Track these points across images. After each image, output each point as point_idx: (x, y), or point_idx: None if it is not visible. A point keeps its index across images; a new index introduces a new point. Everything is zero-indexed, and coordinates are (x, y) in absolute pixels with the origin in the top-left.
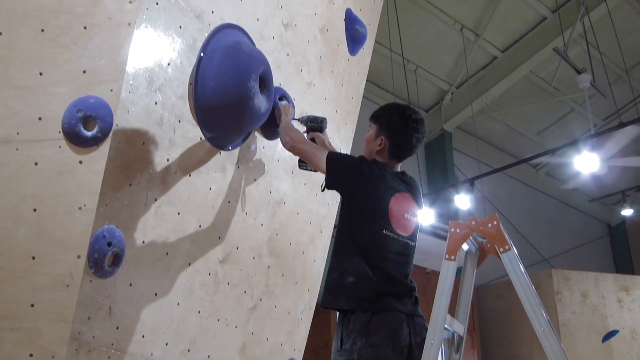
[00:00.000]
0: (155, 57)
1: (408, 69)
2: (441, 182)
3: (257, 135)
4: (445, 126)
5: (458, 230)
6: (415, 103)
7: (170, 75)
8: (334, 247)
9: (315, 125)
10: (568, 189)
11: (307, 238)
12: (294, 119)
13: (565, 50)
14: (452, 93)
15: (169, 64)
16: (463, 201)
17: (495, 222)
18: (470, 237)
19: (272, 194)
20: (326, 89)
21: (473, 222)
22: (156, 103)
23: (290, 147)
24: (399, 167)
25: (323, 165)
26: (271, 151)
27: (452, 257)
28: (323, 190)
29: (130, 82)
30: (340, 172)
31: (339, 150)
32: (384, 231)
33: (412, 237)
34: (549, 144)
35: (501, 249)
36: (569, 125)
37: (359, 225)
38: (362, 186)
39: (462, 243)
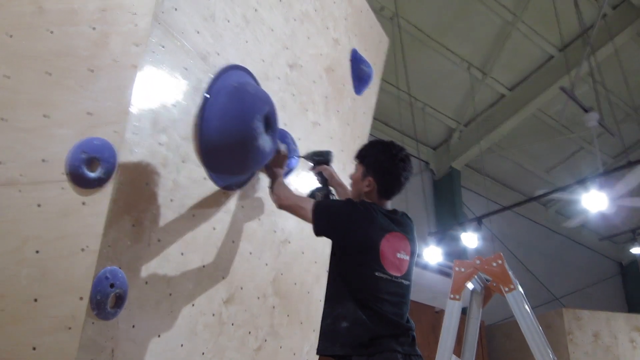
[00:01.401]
0: (160, 99)
1: (416, 106)
2: (450, 220)
3: (261, 174)
4: (453, 164)
5: (462, 270)
6: (424, 140)
7: (175, 116)
8: (326, 293)
9: (322, 158)
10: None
11: (313, 278)
12: (298, 156)
13: (572, 89)
14: (460, 131)
15: (174, 105)
16: (470, 239)
17: (499, 261)
18: (476, 276)
19: (276, 233)
20: (332, 128)
21: (478, 261)
22: (160, 144)
23: (279, 206)
24: (389, 205)
25: (310, 215)
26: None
27: (457, 296)
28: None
29: (135, 123)
30: (327, 219)
31: (347, 184)
32: (376, 273)
33: (406, 276)
34: (559, 181)
35: (506, 289)
36: (578, 163)
37: (351, 270)
38: (351, 231)
39: (466, 282)
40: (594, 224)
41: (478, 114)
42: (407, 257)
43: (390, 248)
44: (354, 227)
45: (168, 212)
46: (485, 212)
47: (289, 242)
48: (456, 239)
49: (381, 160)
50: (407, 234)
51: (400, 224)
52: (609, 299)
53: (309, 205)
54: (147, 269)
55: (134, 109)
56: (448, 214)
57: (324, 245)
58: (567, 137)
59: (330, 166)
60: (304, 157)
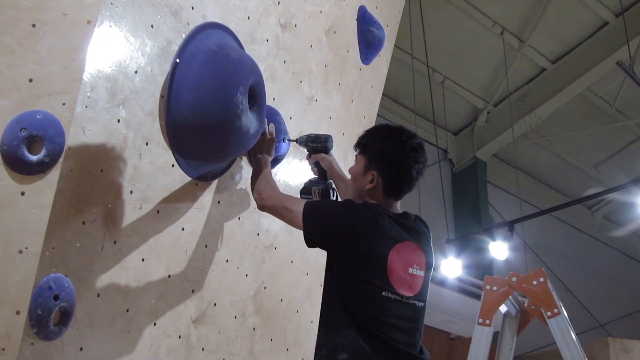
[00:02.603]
0: (119, 64)
1: (433, 80)
2: (472, 224)
3: (243, 162)
4: (478, 154)
5: (495, 288)
6: (442, 123)
7: (137, 85)
8: (320, 318)
9: (318, 145)
10: (629, 237)
11: (303, 293)
12: (289, 140)
13: (632, 65)
14: (488, 112)
15: (136, 72)
16: (500, 250)
17: (541, 279)
18: (510, 297)
19: (260, 237)
20: (331, 105)
21: (514, 279)
22: (119, 120)
23: (260, 207)
24: (398, 207)
25: (299, 220)
26: None
27: (488, 321)
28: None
29: (88, 94)
30: (321, 226)
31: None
32: (383, 293)
33: (420, 296)
34: (608, 179)
35: (548, 313)
36: (634, 157)
37: (351, 289)
38: (352, 241)
39: (500, 304)
40: None
41: (511, 92)
42: (422, 273)
43: (401, 262)
44: (355, 235)
45: (127, 207)
46: (517, 215)
47: (275, 248)
48: (480, 249)
49: (388, 149)
50: (422, 243)
51: (413, 231)
52: None
53: (299, 207)
54: (100, 278)
55: (88, 75)
56: (470, 217)
57: (318, 252)
58: (621, 125)
59: (330, 155)
60: (296, 141)
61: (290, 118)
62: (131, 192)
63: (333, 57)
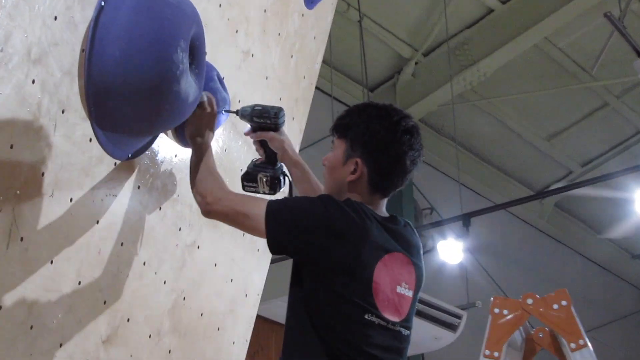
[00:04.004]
0: (37, 7)
1: (345, 17)
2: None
3: (166, 137)
4: None
5: (506, 312)
6: (355, 75)
7: (56, 36)
8: (284, 344)
9: (267, 121)
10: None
11: (226, 305)
12: (227, 111)
13: (622, 18)
14: (416, 63)
15: (55, 19)
16: (452, 251)
17: (564, 303)
18: None
19: (182, 233)
20: (269, 62)
21: (530, 301)
22: (34, 81)
23: (206, 212)
24: (384, 207)
25: (261, 224)
26: (187, 163)
27: (497, 353)
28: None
29: (1, 46)
30: (293, 228)
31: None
32: (366, 316)
33: (407, 322)
34: (563, 156)
35: (572, 344)
36: (597, 129)
37: (327, 309)
38: (334, 249)
39: (511, 332)
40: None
41: (449, 37)
42: (410, 293)
43: (388, 277)
44: (338, 242)
45: (38, 194)
46: (451, 199)
47: (198, 247)
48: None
49: (375, 131)
50: (413, 256)
51: (403, 239)
52: (628, 343)
53: (259, 209)
54: (2, 285)
55: (1, 24)
56: (390, 203)
57: (245, 253)
58: (584, 87)
59: (282, 133)
60: (237, 114)
61: (223, 78)
62: (43, 174)
63: (273, 0)
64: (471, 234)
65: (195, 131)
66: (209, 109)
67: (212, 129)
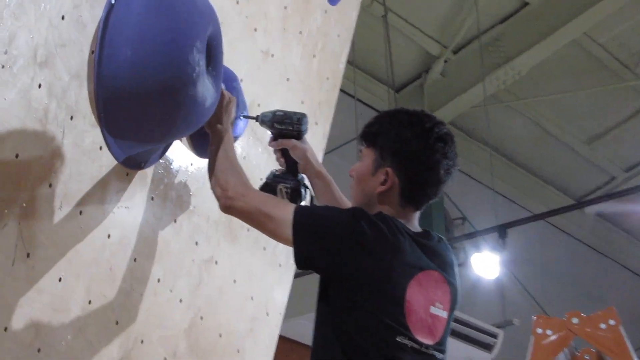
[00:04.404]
0: (43, 5)
1: (369, 12)
2: (421, 225)
3: (182, 145)
4: None
5: (549, 332)
6: (380, 75)
7: (63, 37)
8: None
9: (289, 128)
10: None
11: (246, 324)
12: (247, 116)
13: None
14: (445, 61)
15: (63, 18)
16: (488, 265)
17: (612, 322)
18: None
19: (198, 247)
20: (290, 62)
21: (575, 320)
22: (40, 85)
23: (227, 207)
24: (416, 221)
25: (287, 229)
26: (204, 173)
27: None
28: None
29: (6, 48)
30: (321, 242)
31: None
32: (398, 338)
33: (441, 345)
34: (605, 161)
35: None
36: None
37: (356, 330)
38: (365, 266)
39: (556, 354)
40: None
41: (480, 33)
42: (445, 314)
43: (422, 297)
44: (369, 259)
45: (45, 207)
46: (486, 208)
47: (216, 262)
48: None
49: (406, 138)
50: (448, 274)
51: (438, 256)
52: None
53: (285, 213)
54: (9, 305)
55: (5, 21)
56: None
57: (266, 267)
58: (629, 86)
59: (305, 141)
60: (257, 119)
61: (241, 80)
62: (50, 185)
63: None
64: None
65: (213, 118)
66: (228, 98)
67: (230, 116)
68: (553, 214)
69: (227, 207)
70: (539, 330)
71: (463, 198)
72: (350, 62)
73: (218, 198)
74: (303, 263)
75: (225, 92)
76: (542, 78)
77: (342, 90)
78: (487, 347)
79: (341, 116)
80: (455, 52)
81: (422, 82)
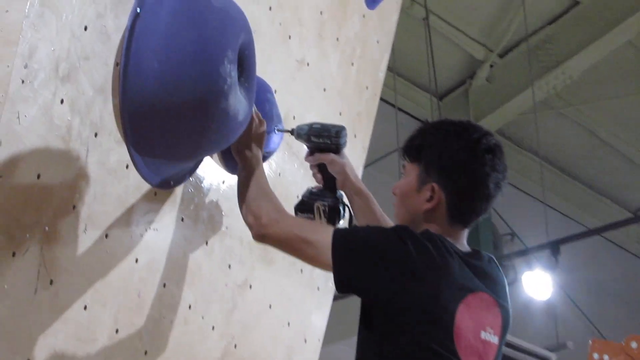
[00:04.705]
0: (65, 16)
1: (409, 14)
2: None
3: (213, 162)
4: None
5: (606, 358)
6: (422, 82)
7: (87, 49)
8: None
9: (326, 141)
10: None
11: (283, 352)
12: (281, 130)
13: None
14: (491, 66)
15: (85, 29)
16: (540, 285)
17: None
18: None
19: (232, 270)
20: (327, 71)
21: (634, 344)
22: (62, 101)
23: (260, 235)
24: (464, 240)
25: (327, 253)
26: (236, 191)
27: None
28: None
29: (26, 62)
30: (364, 264)
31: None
32: None
33: None
34: None
35: None
36: None
37: (401, 357)
38: (411, 289)
39: None
40: None
41: (528, 35)
42: (496, 340)
43: (472, 321)
44: (415, 281)
45: (69, 230)
46: (535, 222)
47: (250, 287)
48: None
49: (453, 151)
50: (498, 295)
51: (488, 278)
52: None
53: (324, 236)
54: (30, 335)
55: (25, 33)
56: None
57: (304, 291)
58: None
59: (343, 155)
60: (292, 133)
61: (275, 91)
62: (74, 207)
63: (330, 1)
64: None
65: (241, 144)
66: (258, 121)
67: (261, 141)
68: (609, 229)
69: (261, 236)
70: (596, 356)
71: (512, 212)
72: (390, 68)
73: (251, 227)
74: (344, 286)
75: (255, 115)
76: (595, 82)
77: (381, 99)
78: None
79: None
80: (501, 55)
81: (467, 88)
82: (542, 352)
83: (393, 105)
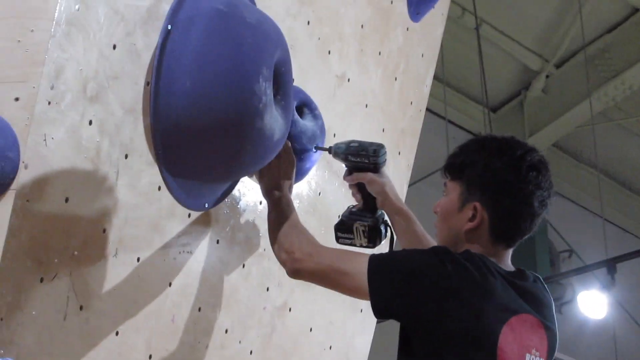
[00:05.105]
0: (92, 34)
1: (460, 24)
2: (520, 255)
3: (249, 182)
4: (530, 141)
5: None
6: (474, 94)
7: (115, 68)
8: None
9: (364, 161)
10: None
11: None
12: (319, 148)
13: None
14: (547, 77)
15: (114, 48)
16: (595, 305)
17: None
18: None
19: (270, 293)
20: (369, 86)
21: None
22: (91, 122)
23: (293, 271)
24: (509, 260)
25: (363, 282)
26: None
27: None
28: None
29: (52, 83)
30: (401, 288)
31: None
32: None
33: None
34: None
35: None
36: None
37: None
38: (451, 312)
39: None
40: None
41: (586, 45)
42: None
43: (516, 344)
44: (456, 304)
45: (99, 255)
46: (595, 240)
47: (290, 310)
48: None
49: (496, 169)
50: (545, 318)
51: (534, 298)
52: None
53: (360, 264)
54: None
55: (51, 54)
56: (521, 247)
57: (346, 313)
58: None
59: (383, 174)
60: (330, 151)
61: (316, 108)
62: (104, 230)
63: (372, 12)
64: (619, 281)
65: (270, 183)
66: (285, 157)
67: (290, 178)
68: None
69: (296, 271)
70: None
71: (570, 228)
72: (439, 79)
73: (284, 264)
74: (381, 311)
75: (283, 152)
76: None
77: (431, 111)
78: None
79: (431, 140)
80: (558, 66)
81: (522, 100)
82: None
83: (443, 118)
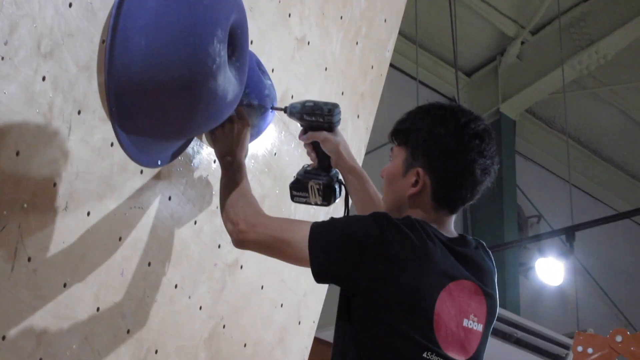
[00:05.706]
0: None
1: None
2: (490, 221)
3: (201, 140)
4: (503, 107)
5: (591, 351)
6: (449, 58)
7: (70, 25)
8: None
9: (319, 119)
10: None
11: (275, 334)
12: (274, 108)
13: None
14: (522, 43)
15: (70, 5)
16: (552, 272)
17: None
18: None
19: (222, 250)
20: (329, 50)
21: (619, 338)
22: (44, 78)
23: (238, 242)
24: (451, 226)
25: (303, 251)
26: None
27: None
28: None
29: (6, 38)
30: (340, 252)
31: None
32: (425, 354)
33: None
34: None
35: None
36: None
37: (380, 347)
38: (389, 277)
39: None
40: None
41: (560, 13)
42: (480, 327)
43: (453, 310)
44: (394, 269)
45: (49, 207)
46: (562, 205)
47: (241, 267)
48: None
49: (439, 135)
50: (484, 284)
51: (474, 264)
52: None
53: (301, 232)
54: (7, 312)
55: (5, 10)
56: (488, 209)
57: (298, 272)
58: None
59: (337, 133)
60: (285, 111)
61: (272, 71)
62: (55, 184)
63: None
64: (587, 246)
65: (224, 148)
66: (239, 122)
67: (243, 145)
68: (637, 214)
69: (241, 242)
70: (579, 348)
71: (539, 194)
72: (412, 41)
73: (230, 233)
74: (321, 276)
75: (237, 118)
76: (630, 63)
77: (403, 72)
78: (558, 359)
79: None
80: (533, 32)
81: (497, 65)
82: (561, 338)
83: (415, 78)
